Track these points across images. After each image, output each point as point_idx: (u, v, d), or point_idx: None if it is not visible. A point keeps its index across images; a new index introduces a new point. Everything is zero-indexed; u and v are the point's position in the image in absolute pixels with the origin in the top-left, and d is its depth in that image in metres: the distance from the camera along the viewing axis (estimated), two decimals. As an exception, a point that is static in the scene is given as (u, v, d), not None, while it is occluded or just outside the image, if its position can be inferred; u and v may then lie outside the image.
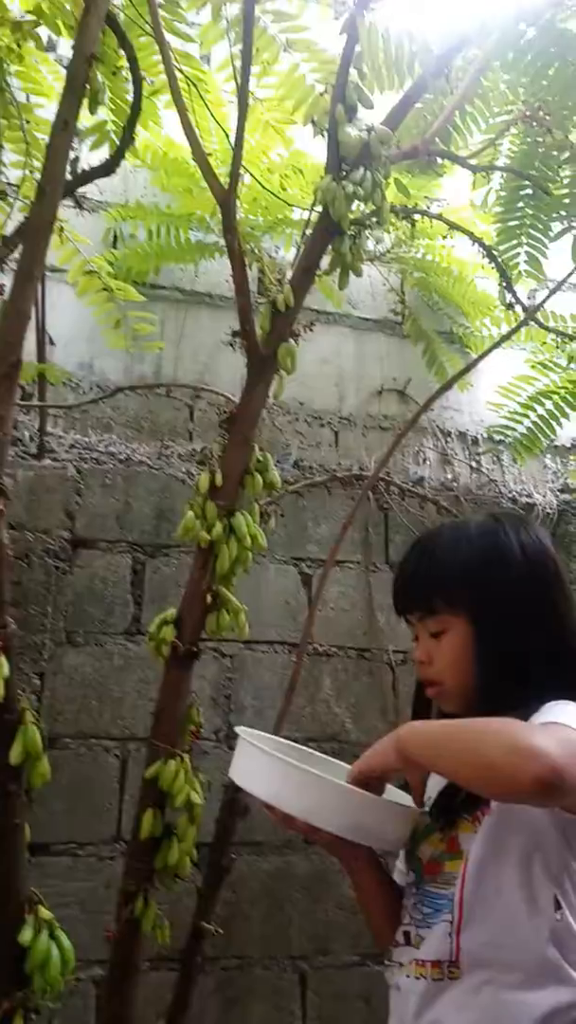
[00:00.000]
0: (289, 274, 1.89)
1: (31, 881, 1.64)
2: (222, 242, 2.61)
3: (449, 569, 1.10)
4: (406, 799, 1.05)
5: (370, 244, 2.66)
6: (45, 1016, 1.97)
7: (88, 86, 1.60)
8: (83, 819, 2.23)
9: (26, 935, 1.33)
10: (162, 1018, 1.80)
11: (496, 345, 2.17)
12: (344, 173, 1.80)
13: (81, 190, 2.69)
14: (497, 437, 2.73)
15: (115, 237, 2.67)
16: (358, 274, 1.87)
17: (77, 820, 2.22)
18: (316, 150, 2.39)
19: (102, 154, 2.08)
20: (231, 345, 1.86)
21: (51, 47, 2.49)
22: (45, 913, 1.38)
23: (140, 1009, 1.73)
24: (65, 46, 2.29)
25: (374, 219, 1.87)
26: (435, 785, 1.05)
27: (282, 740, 1.20)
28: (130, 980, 1.64)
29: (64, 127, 1.52)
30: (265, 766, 1.00)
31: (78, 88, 1.56)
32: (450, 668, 1.08)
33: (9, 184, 1.93)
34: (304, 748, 1.21)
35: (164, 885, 1.66)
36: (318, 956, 2.34)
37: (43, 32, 2.15)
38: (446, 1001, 0.94)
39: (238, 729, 1.09)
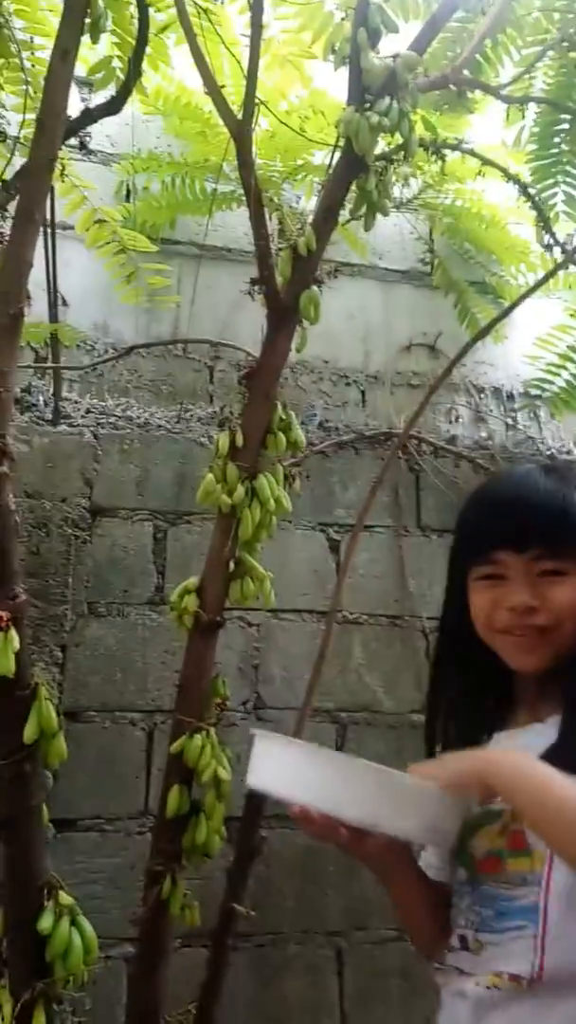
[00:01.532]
0: (311, 219, 1.77)
1: (58, 858, 1.58)
2: (239, 191, 2.49)
3: None
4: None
5: (396, 190, 2.52)
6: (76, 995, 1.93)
7: (89, 13, 1.47)
8: (110, 794, 2.17)
9: (46, 922, 1.26)
10: (195, 1001, 1.73)
11: (534, 289, 2.04)
12: (368, 104, 1.67)
13: (91, 142, 2.58)
14: (534, 391, 2.59)
15: (128, 191, 2.54)
16: (385, 214, 1.74)
17: (104, 795, 2.16)
18: (337, 89, 2.24)
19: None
20: (250, 295, 1.75)
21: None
22: (66, 899, 1.31)
23: (173, 987, 1.67)
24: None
25: (401, 153, 1.74)
26: None
27: (295, 741, 1.00)
28: (160, 963, 1.58)
29: (64, 57, 1.40)
30: (312, 766, 0.83)
31: (78, 14, 1.44)
32: (571, 612, 0.94)
33: (8, 130, 1.81)
34: (320, 747, 1.00)
35: (192, 864, 1.59)
36: (354, 931, 2.27)
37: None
38: (521, 1013, 0.84)
39: (256, 732, 0.91)
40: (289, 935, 2.21)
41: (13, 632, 1.26)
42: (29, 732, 1.29)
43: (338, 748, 2.35)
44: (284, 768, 0.84)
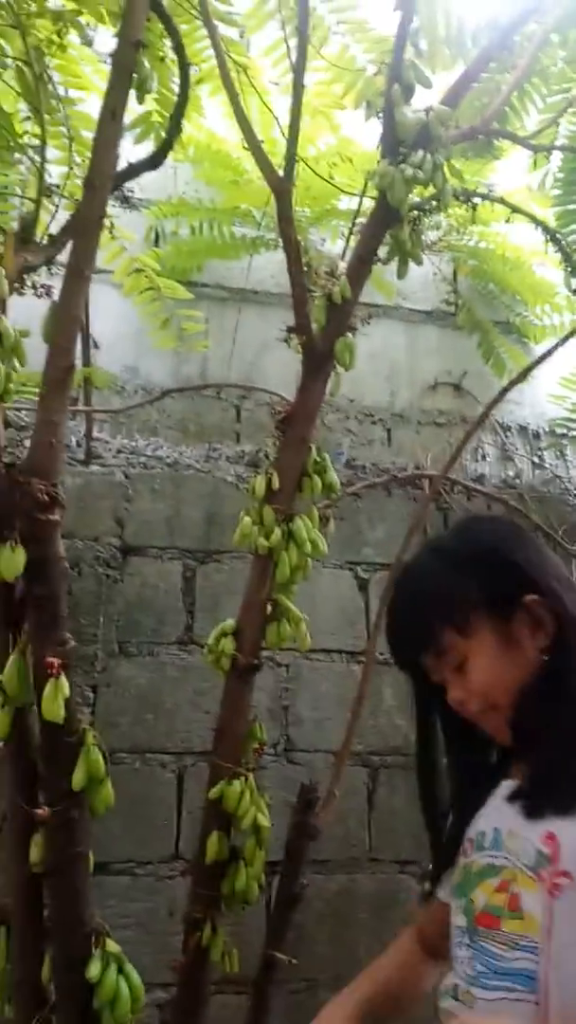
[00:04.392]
0: (342, 265, 1.80)
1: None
2: (268, 236, 2.54)
3: (441, 595, 0.99)
4: None
5: (422, 234, 2.57)
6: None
7: (135, 74, 1.52)
8: (141, 837, 2.16)
9: (94, 970, 1.26)
10: (232, 1050, 1.71)
11: (569, 336, 2.06)
12: (402, 157, 1.70)
13: (124, 187, 2.64)
14: (560, 431, 2.60)
15: (157, 235, 2.60)
16: (418, 262, 1.77)
17: (135, 838, 2.16)
18: (364, 137, 2.30)
19: (144, 149, 2.01)
20: (285, 341, 1.77)
21: (88, 42, 2.43)
22: (113, 946, 1.30)
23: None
24: (103, 39, 2.23)
25: (434, 203, 1.77)
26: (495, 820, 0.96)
27: None
28: (199, 1011, 1.56)
29: (112, 117, 1.44)
30: None
31: (125, 76, 1.48)
32: (492, 677, 0.96)
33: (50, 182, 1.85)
34: None
35: (231, 911, 1.58)
36: (386, 977, 2.24)
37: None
38: None
39: None
40: (323, 981, 2.19)
41: (63, 679, 1.27)
42: (78, 779, 1.29)
43: (369, 792, 2.34)
44: None
